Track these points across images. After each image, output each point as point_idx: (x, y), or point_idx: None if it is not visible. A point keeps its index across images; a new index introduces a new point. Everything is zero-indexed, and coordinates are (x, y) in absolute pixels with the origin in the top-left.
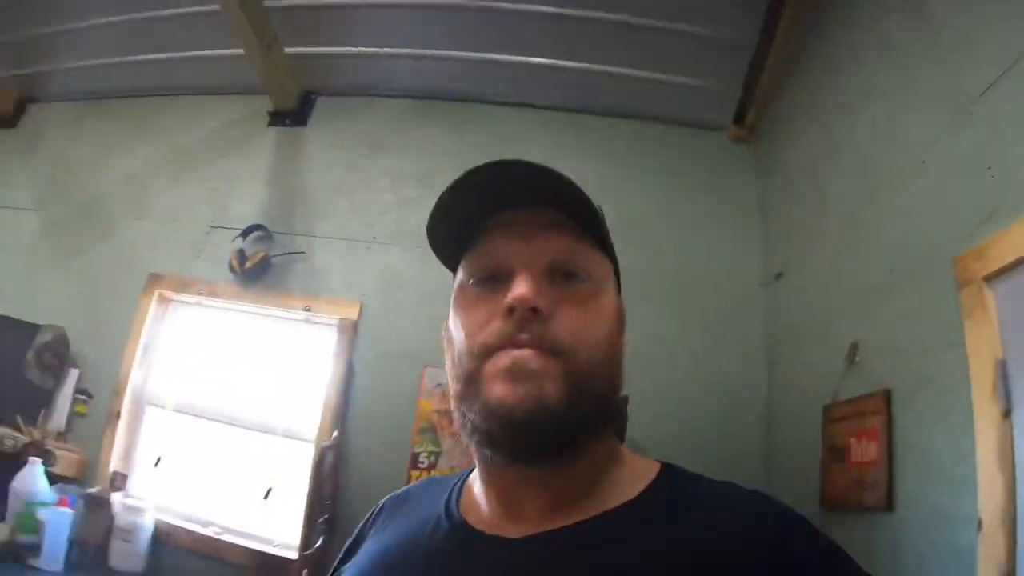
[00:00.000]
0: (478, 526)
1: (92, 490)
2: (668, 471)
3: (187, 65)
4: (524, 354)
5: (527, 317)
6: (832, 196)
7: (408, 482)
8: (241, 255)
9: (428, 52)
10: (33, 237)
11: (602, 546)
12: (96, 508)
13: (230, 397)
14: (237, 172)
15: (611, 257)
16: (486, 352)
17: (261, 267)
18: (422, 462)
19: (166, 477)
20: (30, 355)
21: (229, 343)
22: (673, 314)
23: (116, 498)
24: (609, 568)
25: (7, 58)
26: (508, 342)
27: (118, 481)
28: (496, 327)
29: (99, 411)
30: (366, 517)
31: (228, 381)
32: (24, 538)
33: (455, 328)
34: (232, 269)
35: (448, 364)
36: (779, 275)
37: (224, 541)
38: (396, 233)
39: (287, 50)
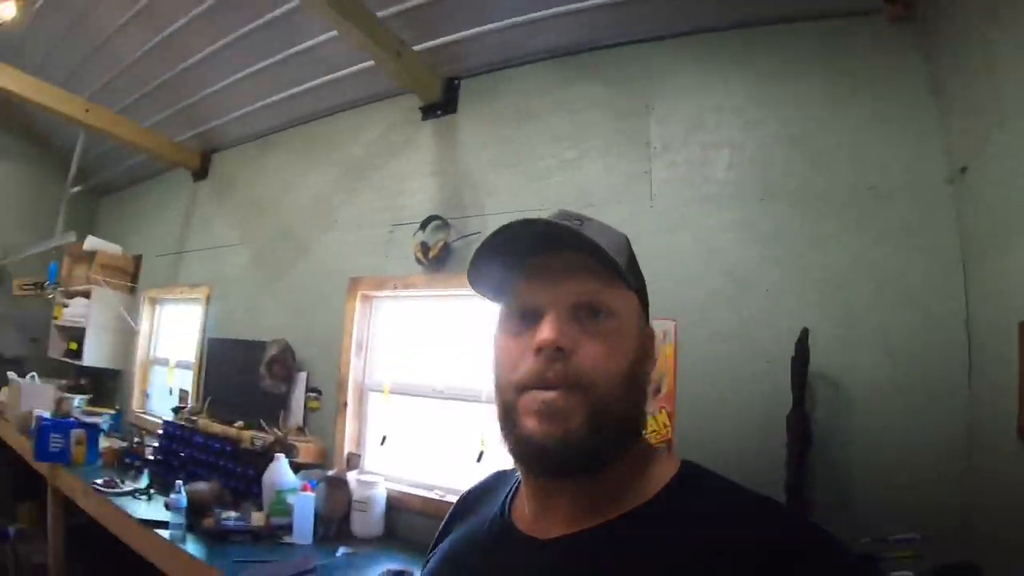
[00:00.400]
0: (520, 525)
1: (331, 472)
2: (682, 473)
3: (336, 85)
4: (551, 395)
5: (553, 356)
6: (1006, 68)
7: None
8: (424, 247)
9: (560, 9)
10: (245, 268)
11: (610, 548)
12: (335, 487)
13: (436, 373)
14: (404, 170)
15: (638, 285)
16: (520, 388)
17: (443, 254)
18: None
19: (392, 452)
20: (262, 369)
21: (428, 326)
22: (853, 230)
23: (352, 476)
24: (611, 569)
25: (186, 121)
26: (538, 381)
27: (352, 461)
28: (528, 366)
29: (329, 404)
30: (450, 510)
31: (433, 360)
32: (277, 520)
33: (495, 360)
34: (418, 260)
35: (492, 385)
36: (963, 169)
37: (447, 501)
38: (561, 196)
39: (417, 47)
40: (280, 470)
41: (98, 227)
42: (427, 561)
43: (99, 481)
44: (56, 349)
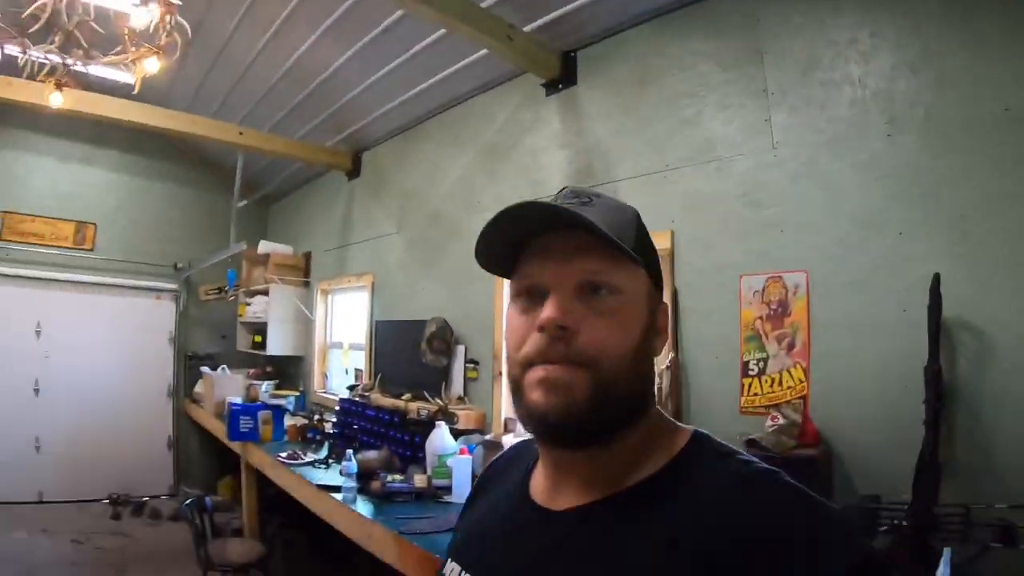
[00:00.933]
0: (536, 497)
1: (488, 436)
2: (691, 445)
3: (464, 72)
4: (554, 368)
5: (556, 334)
6: None
7: (743, 393)
8: None
9: None
10: (402, 254)
11: (616, 522)
12: (492, 449)
13: None
14: (536, 146)
15: (648, 260)
16: (525, 364)
17: None
18: (752, 369)
19: None
20: (423, 345)
21: None
22: (987, 160)
23: (507, 439)
24: (609, 543)
25: (333, 127)
26: (541, 357)
27: (509, 425)
28: (532, 343)
29: (486, 374)
30: (476, 481)
31: None
32: (439, 482)
33: (506, 336)
34: None
35: (505, 357)
36: None
37: None
38: (686, 155)
39: (528, 28)
40: (441, 436)
41: (270, 232)
42: (455, 531)
43: (284, 454)
44: (243, 343)
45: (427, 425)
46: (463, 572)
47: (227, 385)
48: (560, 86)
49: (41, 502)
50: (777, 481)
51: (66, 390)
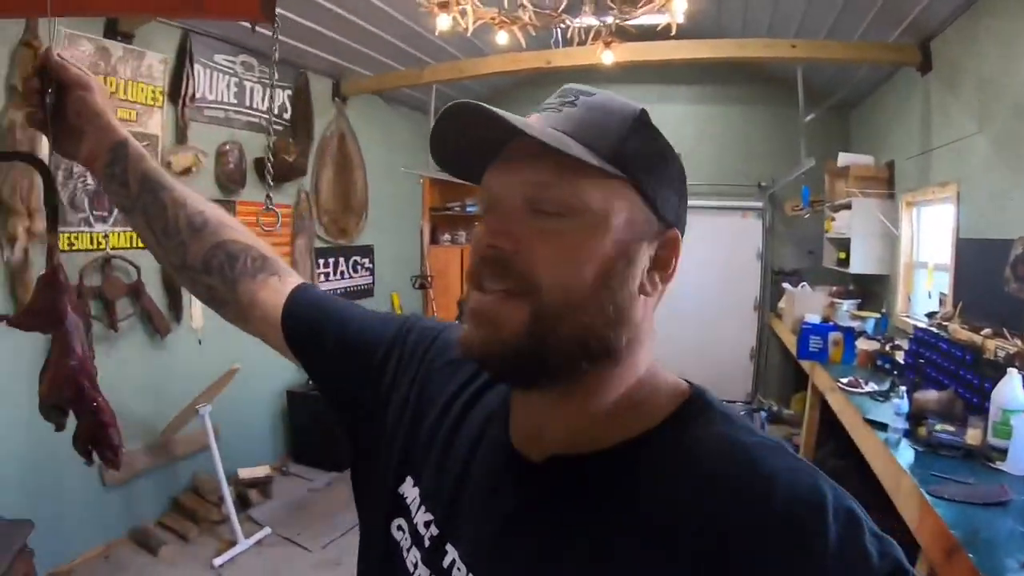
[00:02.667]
0: (514, 440)
1: None
2: (688, 404)
3: None
4: (485, 299)
5: (488, 255)
6: None
7: None
8: None
9: None
10: (985, 158)
11: (610, 478)
12: None
13: None
14: None
15: (640, 174)
16: (469, 289)
17: None
18: None
19: None
20: (1007, 271)
21: None
22: None
23: None
24: (584, 518)
25: (893, 18)
26: (476, 282)
27: None
28: (471, 265)
29: None
30: (427, 342)
31: None
32: (996, 442)
33: None
34: None
35: None
36: None
37: None
38: None
39: None
40: (1012, 387)
41: (853, 141)
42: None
43: (844, 380)
44: (829, 259)
45: (1001, 369)
46: (448, 545)
47: (807, 302)
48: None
49: None
50: (779, 457)
51: (667, 300)
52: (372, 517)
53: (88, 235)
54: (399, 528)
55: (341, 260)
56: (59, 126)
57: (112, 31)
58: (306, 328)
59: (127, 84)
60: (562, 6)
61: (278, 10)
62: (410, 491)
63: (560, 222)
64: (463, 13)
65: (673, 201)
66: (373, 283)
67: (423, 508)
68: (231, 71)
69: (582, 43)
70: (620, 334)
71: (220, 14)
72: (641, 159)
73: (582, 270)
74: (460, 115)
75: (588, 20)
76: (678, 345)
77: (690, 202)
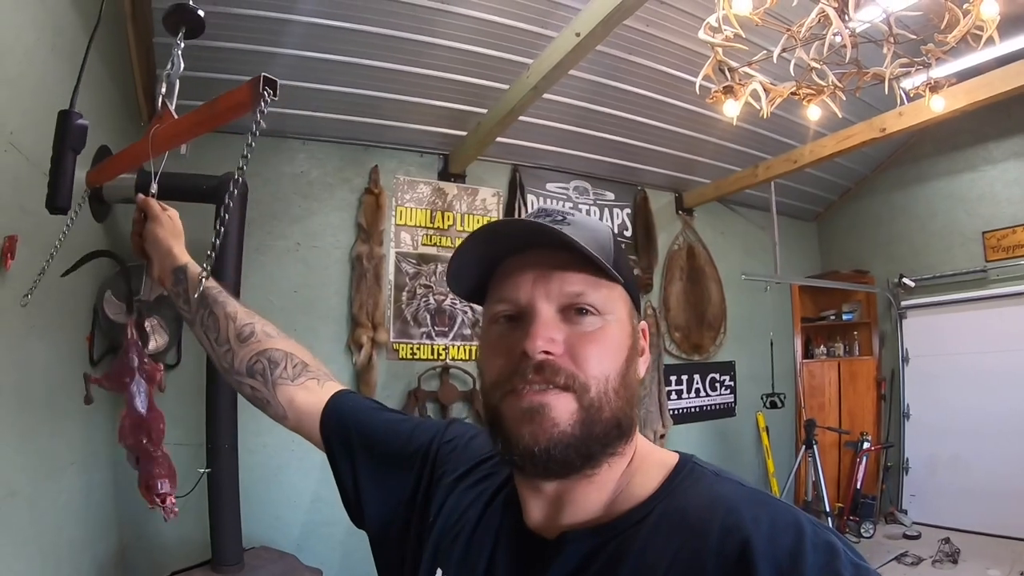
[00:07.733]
0: (529, 523)
1: None
2: (677, 472)
3: None
4: (539, 398)
5: (541, 359)
6: None
7: None
8: None
9: None
10: None
11: (605, 555)
12: None
13: None
14: None
15: (626, 279)
16: (508, 391)
17: None
18: None
19: None
20: None
21: None
22: None
23: None
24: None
25: None
26: (525, 384)
27: None
28: (515, 369)
29: None
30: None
31: None
32: None
33: (483, 361)
34: None
35: (480, 386)
36: None
37: None
38: None
39: None
40: None
41: None
42: (430, 521)
43: None
44: None
45: None
46: None
47: None
48: None
49: None
50: (763, 502)
51: None
52: None
53: (429, 346)
54: None
55: (696, 377)
56: (149, 251)
57: (445, 174)
58: (338, 432)
59: (463, 217)
60: (849, 55)
61: None
62: None
63: (592, 323)
64: (756, 96)
65: (638, 299)
66: (735, 402)
67: None
68: (564, 196)
69: (902, 100)
70: (637, 412)
71: (228, 117)
72: (625, 268)
73: (616, 361)
74: (503, 233)
75: (905, 68)
76: None
77: None
